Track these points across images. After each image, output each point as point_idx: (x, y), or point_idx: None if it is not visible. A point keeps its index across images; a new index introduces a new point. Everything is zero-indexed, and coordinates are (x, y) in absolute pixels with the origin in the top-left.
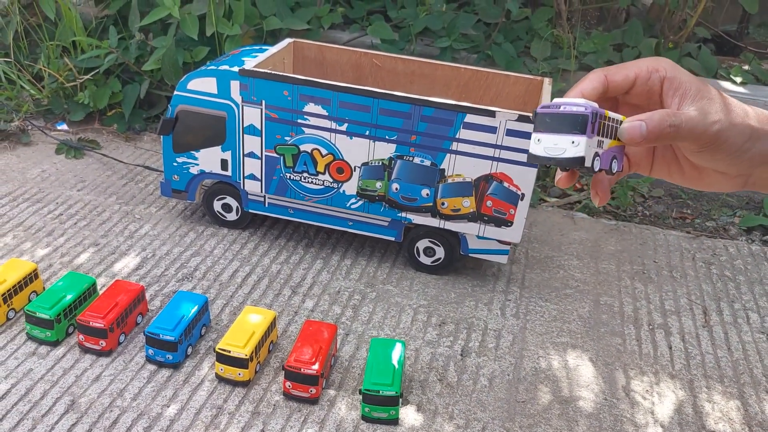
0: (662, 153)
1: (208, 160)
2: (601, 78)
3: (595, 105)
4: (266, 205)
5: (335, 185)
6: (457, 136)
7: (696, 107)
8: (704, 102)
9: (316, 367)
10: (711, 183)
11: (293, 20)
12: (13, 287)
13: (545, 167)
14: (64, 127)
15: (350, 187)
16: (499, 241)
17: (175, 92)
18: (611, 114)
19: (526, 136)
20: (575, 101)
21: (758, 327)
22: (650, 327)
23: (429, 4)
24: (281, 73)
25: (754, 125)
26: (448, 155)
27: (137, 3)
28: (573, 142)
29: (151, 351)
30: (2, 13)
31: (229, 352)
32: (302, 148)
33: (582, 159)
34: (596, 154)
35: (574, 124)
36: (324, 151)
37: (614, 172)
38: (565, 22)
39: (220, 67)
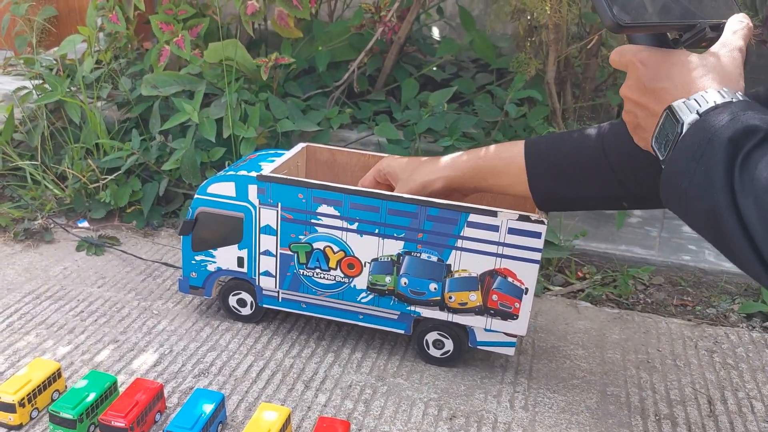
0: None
1: (225, 257)
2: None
3: None
4: (280, 300)
5: (346, 280)
6: (461, 234)
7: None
8: (401, 181)
9: None
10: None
11: (305, 122)
12: (37, 387)
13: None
14: (85, 224)
15: (361, 282)
16: (506, 334)
17: (196, 195)
18: None
19: (528, 234)
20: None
21: (763, 416)
22: (657, 418)
23: (431, 106)
24: (296, 178)
25: (421, 179)
26: (453, 251)
27: (158, 107)
28: None
29: None
30: (30, 118)
31: None
32: (315, 245)
33: None
34: None
35: None
36: (336, 248)
37: None
38: (560, 119)
39: (238, 172)
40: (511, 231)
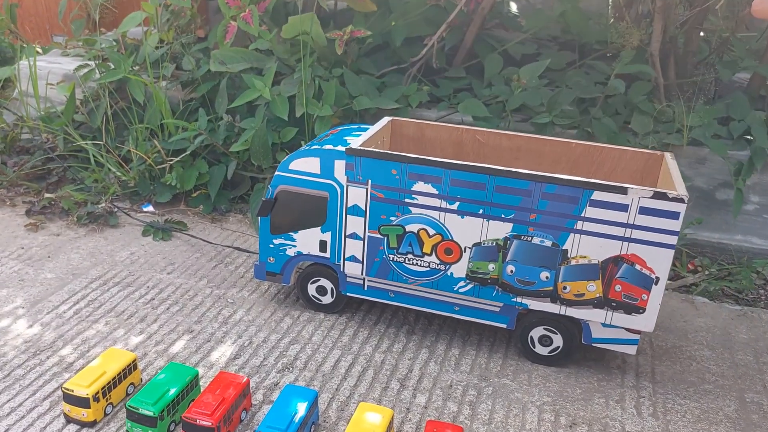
0: None
1: (307, 241)
2: None
3: None
4: (365, 288)
5: (442, 267)
6: (582, 215)
7: None
8: None
9: None
10: None
11: (382, 99)
12: (112, 380)
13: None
14: (150, 208)
15: (459, 270)
16: (628, 330)
17: (277, 172)
18: None
19: (663, 214)
20: None
21: None
22: None
23: (524, 80)
24: (390, 152)
25: None
26: (571, 235)
27: (225, 86)
28: None
29: None
30: (92, 97)
31: None
32: (408, 228)
33: None
34: None
35: None
36: (431, 231)
37: None
38: (663, 95)
39: (323, 147)
40: (643, 211)
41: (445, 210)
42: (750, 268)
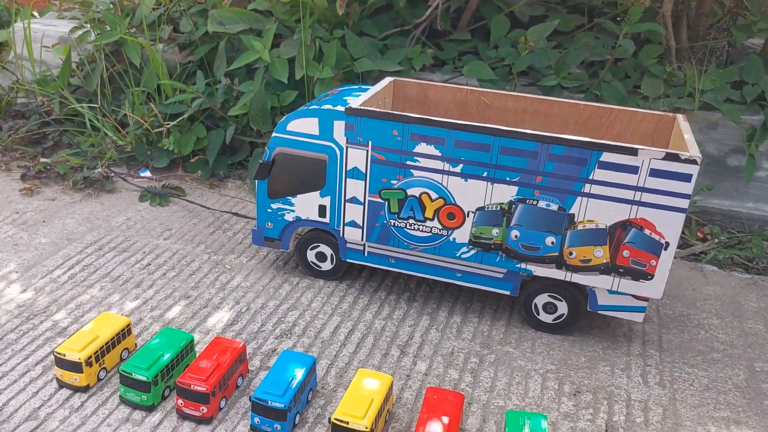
0: None
1: (305, 206)
2: None
3: None
4: (366, 255)
5: (445, 232)
6: (590, 177)
7: None
8: None
9: None
10: None
11: (385, 62)
12: (105, 344)
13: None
14: (147, 174)
15: (462, 235)
16: (635, 297)
17: (274, 134)
18: None
19: (674, 176)
20: None
21: None
22: None
23: (531, 42)
24: (392, 112)
25: None
26: (579, 198)
27: (224, 48)
28: None
29: (257, 419)
30: (88, 60)
31: (348, 423)
32: (410, 192)
33: None
34: None
35: None
36: (434, 195)
37: None
38: (674, 58)
39: (322, 107)
40: (654, 173)
41: (448, 173)
42: (761, 236)
